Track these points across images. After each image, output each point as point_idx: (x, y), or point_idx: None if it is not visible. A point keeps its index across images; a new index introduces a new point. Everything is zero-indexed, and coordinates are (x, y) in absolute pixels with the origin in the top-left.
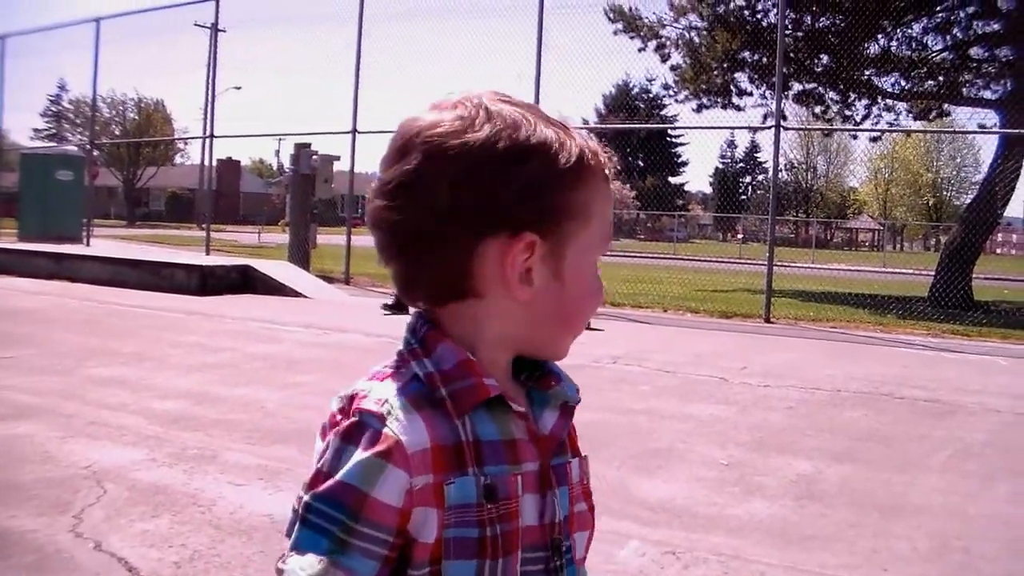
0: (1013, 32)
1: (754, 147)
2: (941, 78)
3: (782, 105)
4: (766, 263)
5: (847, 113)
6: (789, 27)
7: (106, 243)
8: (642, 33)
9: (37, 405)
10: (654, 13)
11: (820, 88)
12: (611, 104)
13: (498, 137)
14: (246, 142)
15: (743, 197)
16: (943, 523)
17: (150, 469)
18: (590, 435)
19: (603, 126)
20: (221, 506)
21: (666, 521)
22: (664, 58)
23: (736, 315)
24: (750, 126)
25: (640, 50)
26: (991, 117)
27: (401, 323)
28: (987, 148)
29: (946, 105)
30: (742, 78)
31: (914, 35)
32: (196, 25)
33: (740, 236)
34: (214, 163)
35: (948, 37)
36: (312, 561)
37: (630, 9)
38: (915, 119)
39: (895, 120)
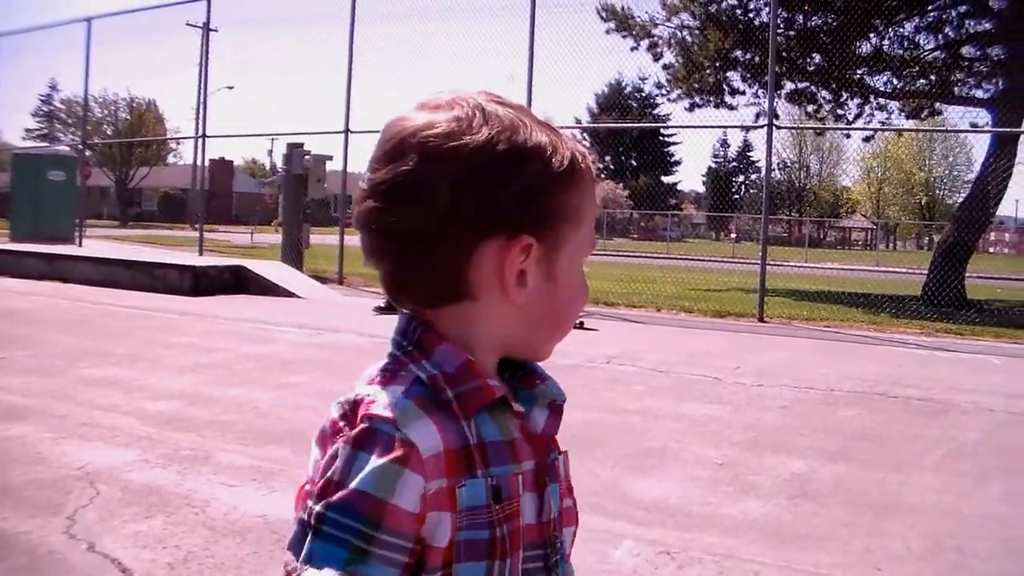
0: (1005, 31)
1: (747, 146)
2: (933, 77)
3: (775, 104)
4: (759, 262)
5: (839, 112)
6: (781, 26)
7: (98, 243)
8: (634, 32)
9: (29, 406)
10: (646, 12)
11: (812, 87)
12: (604, 103)
13: (497, 140)
14: (239, 142)
15: (736, 196)
16: (937, 522)
17: (143, 470)
18: (584, 435)
19: (596, 125)
20: (215, 507)
21: (660, 521)
22: (656, 57)
23: (730, 314)
24: (743, 125)
25: (632, 49)
26: (983, 116)
27: (394, 324)
28: (979, 147)
29: (938, 104)
30: (734, 77)
31: (906, 34)
32: (188, 25)
33: (733, 235)
34: (206, 163)
35: (940, 36)
36: (331, 574)
37: (622, 8)
38: (907, 118)
39: (887, 119)
